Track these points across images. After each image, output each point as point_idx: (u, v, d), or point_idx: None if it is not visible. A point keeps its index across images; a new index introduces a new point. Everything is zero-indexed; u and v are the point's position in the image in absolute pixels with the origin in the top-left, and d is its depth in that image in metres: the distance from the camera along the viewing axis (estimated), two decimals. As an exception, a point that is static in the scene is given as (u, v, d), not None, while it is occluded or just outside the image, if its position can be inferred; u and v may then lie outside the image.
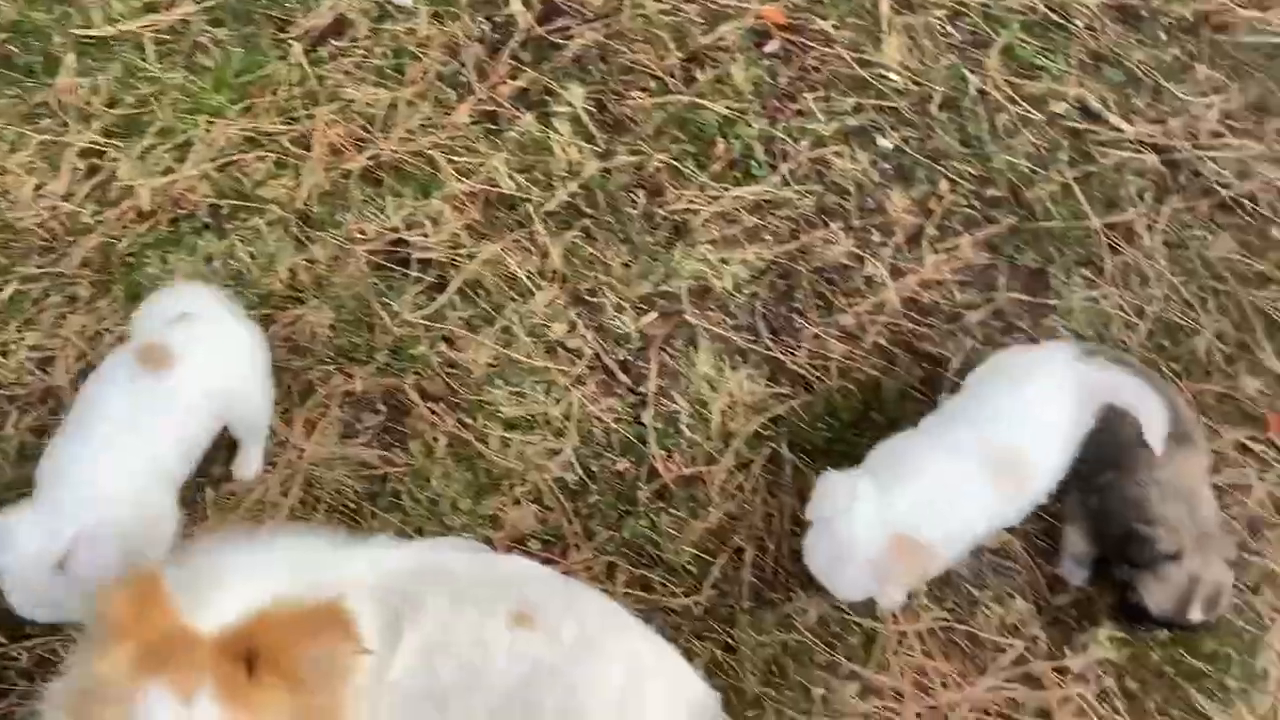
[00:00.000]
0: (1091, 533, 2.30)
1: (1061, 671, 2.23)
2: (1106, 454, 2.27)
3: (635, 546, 2.32)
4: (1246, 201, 2.98)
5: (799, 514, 2.38)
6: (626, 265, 2.70)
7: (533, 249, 2.71)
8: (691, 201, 2.83)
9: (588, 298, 2.66)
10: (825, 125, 3.01)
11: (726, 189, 2.86)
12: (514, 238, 2.72)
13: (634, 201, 2.82)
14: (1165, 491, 2.20)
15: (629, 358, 2.58)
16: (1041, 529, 2.41)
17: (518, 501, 2.35)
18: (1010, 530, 2.41)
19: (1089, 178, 2.96)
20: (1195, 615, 2.12)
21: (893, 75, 3.10)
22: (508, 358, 2.53)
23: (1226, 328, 2.76)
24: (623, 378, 2.54)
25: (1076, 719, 2.18)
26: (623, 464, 2.42)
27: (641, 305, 2.67)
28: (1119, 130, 3.06)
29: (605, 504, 2.37)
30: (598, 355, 2.56)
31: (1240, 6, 3.34)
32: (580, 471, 2.40)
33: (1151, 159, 3.02)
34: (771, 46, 3.18)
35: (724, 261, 2.75)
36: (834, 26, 3.19)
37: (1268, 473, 2.54)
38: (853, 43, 3.17)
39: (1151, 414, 2.15)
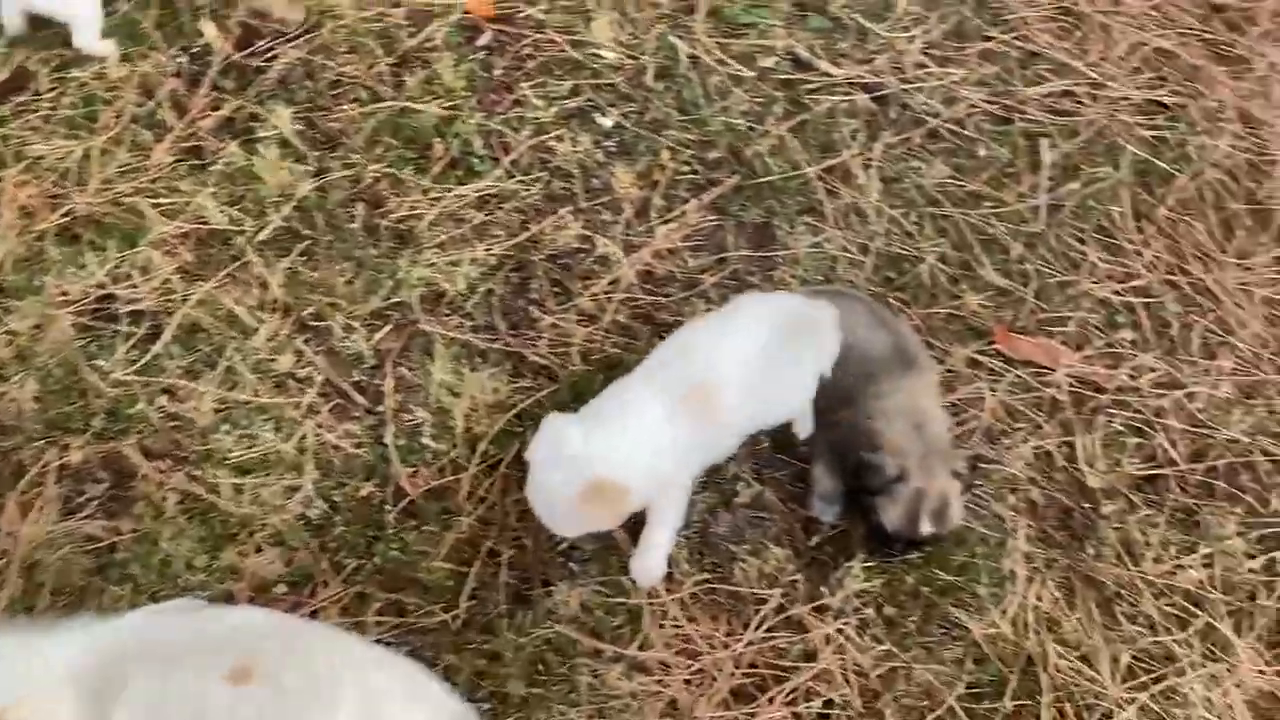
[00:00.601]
0: (835, 468, 2.35)
1: (821, 611, 2.27)
2: (840, 390, 2.32)
3: (388, 571, 2.27)
4: (955, 127, 3.09)
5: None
6: (350, 283, 2.63)
7: (251, 282, 2.61)
8: (414, 207, 2.78)
9: (314, 323, 2.58)
10: (545, 111, 2.99)
11: (449, 189, 2.82)
12: (229, 273, 2.61)
13: (353, 216, 2.74)
14: (892, 417, 2.27)
15: (364, 378, 2.51)
16: (793, 475, 2.45)
17: (259, 549, 2.25)
18: (761, 480, 2.44)
19: (803, 126, 3.03)
20: (926, 528, 2.19)
21: (606, 53, 3.10)
22: (234, 400, 2.42)
23: (947, 250, 2.85)
24: (359, 400, 2.47)
25: (840, 655, 2.21)
26: (367, 489, 2.36)
27: (373, 321, 2.61)
28: (828, 75, 3.13)
29: (352, 534, 2.30)
30: (329, 381, 2.48)
31: (934, -59, 3.46)
32: (322, 505, 2.33)
33: (861, 99, 3.10)
34: (483, 40, 3.14)
35: (454, 264, 2.70)
36: (543, 12, 3.18)
37: (999, 383, 2.63)
38: (564, 25, 3.16)
39: (823, 332, 2.22)
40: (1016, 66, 3.23)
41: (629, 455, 2.08)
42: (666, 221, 2.83)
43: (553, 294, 2.70)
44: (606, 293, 2.69)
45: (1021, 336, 2.76)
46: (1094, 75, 3.24)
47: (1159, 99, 3.23)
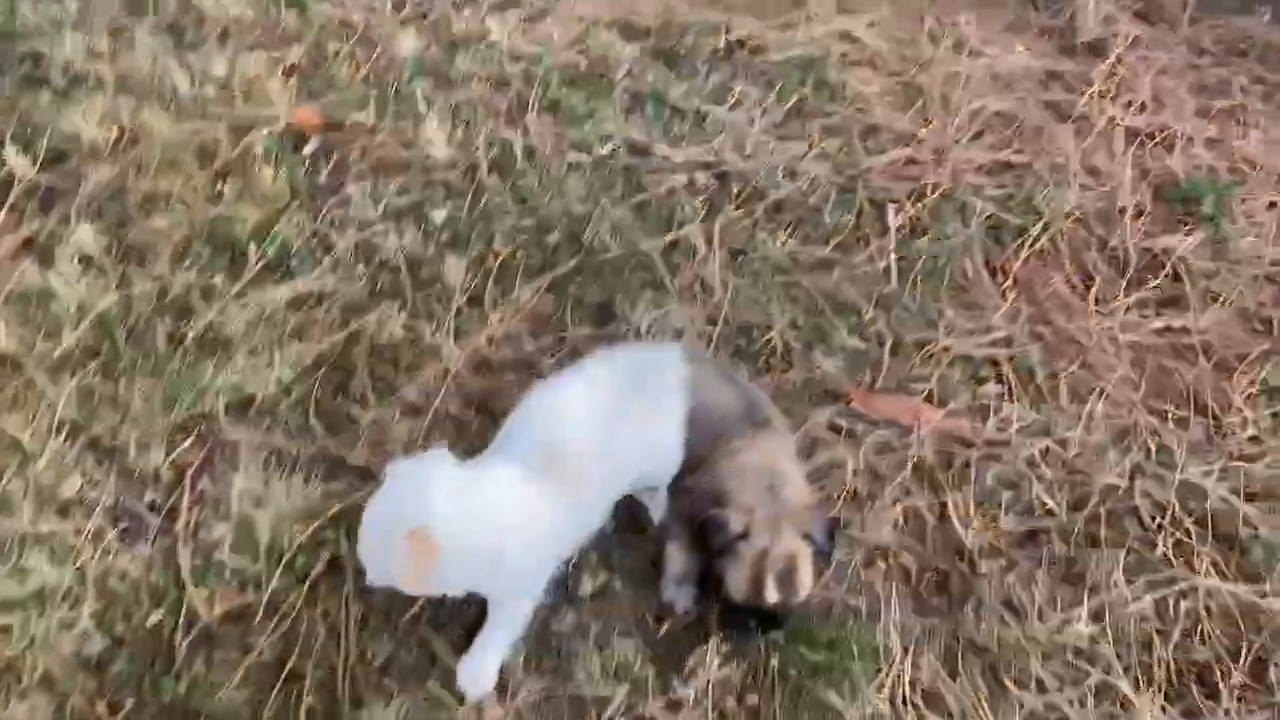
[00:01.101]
0: (687, 542, 2.12)
1: (674, 707, 2.00)
2: (692, 454, 2.12)
3: (174, 708, 1.96)
4: (799, 198, 3.00)
5: (368, 616, 2.09)
6: (148, 398, 2.39)
7: (38, 406, 2.36)
8: (222, 313, 2.56)
9: (107, 442, 2.32)
10: (372, 210, 2.84)
11: (264, 293, 2.62)
12: (11, 395, 2.36)
13: (154, 329, 2.52)
14: (747, 476, 2.08)
15: (157, 497, 2.25)
16: (644, 559, 2.21)
17: (23, 695, 1.94)
18: (609, 567, 2.20)
19: (643, 207, 2.91)
20: (771, 594, 1.96)
21: (437, 152, 2.98)
22: (9, 531, 2.14)
23: (798, 315, 2.72)
24: (151, 520, 2.20)
25: None
26: (156, 616, 2.07)
27: (173, 436, 2.35)
28: (667, 159, 3.04)
29: (134, 669, 2.01)
30: (120, 503, 2.21)
31: (771, 30, 3.46)
32: (102, 639, 2.03)
33: (702, 176, 3.01)
34: (310, 148, 3.01)
35: (266, 367, 2.48)
36: (375, 116, 3.06)
37: (860, 445, 2.45)
38: (394, 130, 3.04)
39: (673, 370, 2.08)
40: (858, 139, 3.18)
41: (478, 516, 1.85)
42: (499, 307, 2.66)
43: (374, 390, 2.48)
44: (435, 383, 2.48)
45: (880, 394, 2.60)
46: (936, 142, 3.19)
47: (1004, 159, 3.18)
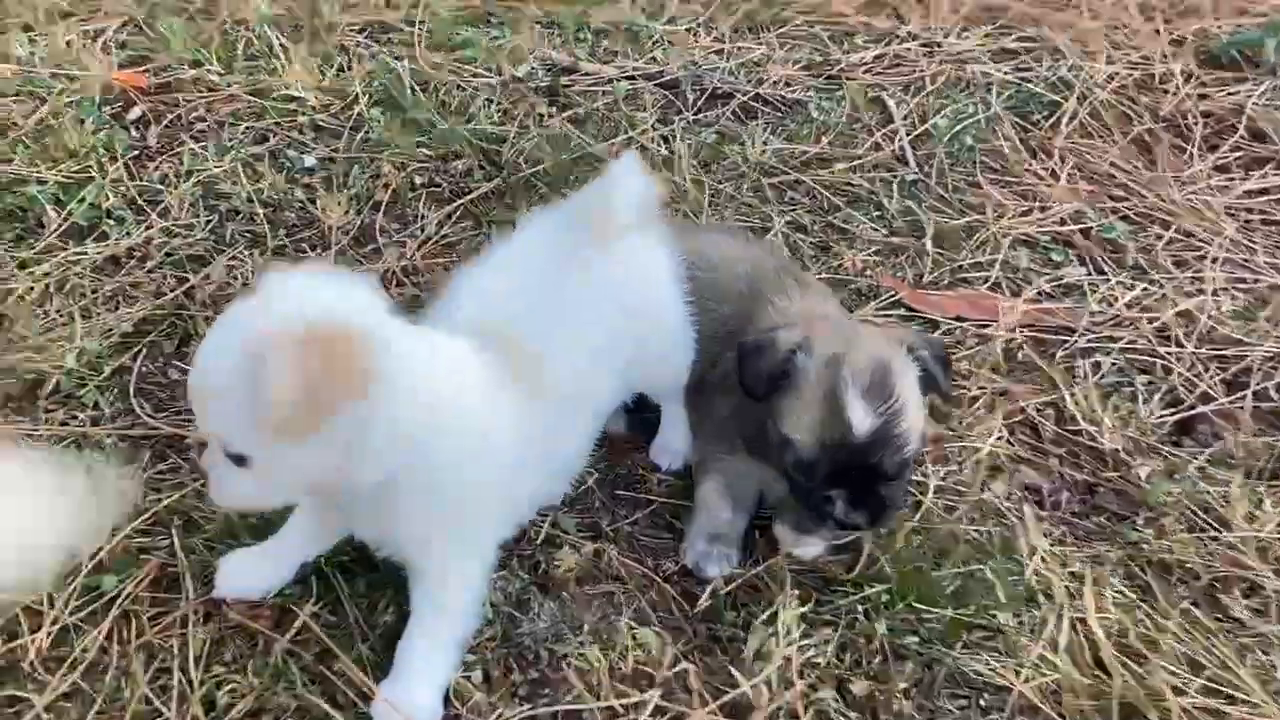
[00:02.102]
0: (723, 480, 1.37)
1: (737, 713, 1.18)
2: (722, 324, 1.44)
3: None
4: (771, 97, 2.36)
5: (221, 645, 1.26)
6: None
7: None
8: (1, 283, 1.78)
9: None
10: (216, 162, 2.10)
11: (61, 258, 1.84)
12: None
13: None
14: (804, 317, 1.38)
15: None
16: (646, 517, 1.42)
17: None
18: (596, 534, 1.41)
19: (578, 122, 2.26)
20: (858, 415, 1.26)
21: (303, 95, 2.28)
22: None
23: (802, 215, 2.04)
24: None
25: None
26: None
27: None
28: (597, 74, 2.38)
29: None
30: None
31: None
32: None
33: (648, 88, 2.36)
34: (135, 113, 2.28)
35: (62, 342, 1.68)
36: (218, 74, 2.36)
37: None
38: (246, 83, 2.34)
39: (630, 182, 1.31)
40: (830, 42, 2.57)
41: (409, 374, 1.10)
42: (402, 242, 1.91)
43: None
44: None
45: (936, 291, 1.89)
46: (924, 36, 2.59)
47: (1005, 46, 2.59)
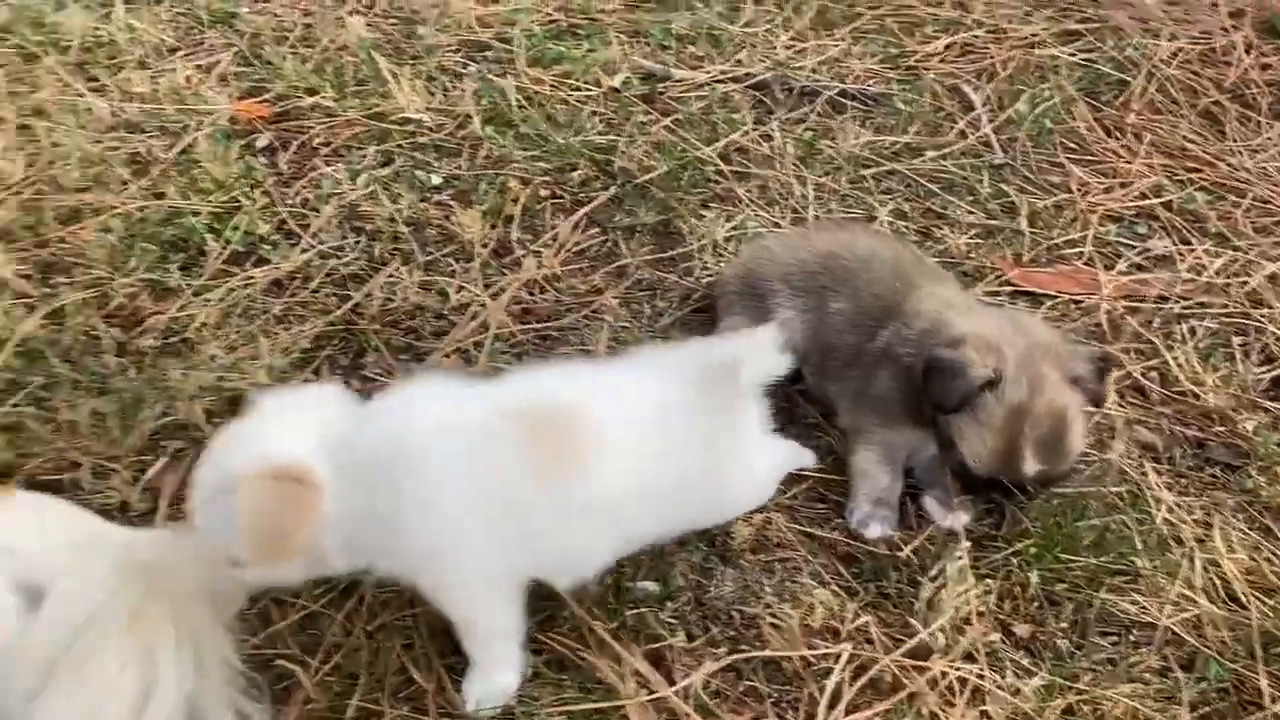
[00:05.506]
0: (881, 452, 1.58)
1: (921, 657, 1.35)
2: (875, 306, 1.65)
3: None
4: (854, 91, 2.51)
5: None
6: (101, 419, 1.76)
7: (-52, 454, 1.72)
8: (183, 310, 1.96)
9: (54, 478, 1.68)
10: (351, 184, 2.28)
11: (233, 283, 2.03)
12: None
13: (99, 342, 1.91)
14: (969, 308, 1.62)
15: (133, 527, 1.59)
16: (804, 492, 1.59)
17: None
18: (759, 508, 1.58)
19: (679, 126, 2.40)
20: (1030, 467, 1.46)
21: (417, 115, 2.44)
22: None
23: (902, 204, 2.18)
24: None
25: (979, 707, 1.28)
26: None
27: (139, 458, 1.72)
28: (689, 80, 2.54)
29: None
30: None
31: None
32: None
33: (737, 90, 2.51)
34: (263, 141, 2.46)
35: (251, 359, 1.87)
36: (332, 100, 2.53)
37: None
38: (360, 107, 2.51)
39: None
40: (901, 33, 2.71)
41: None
42: (535, 251, 2.09)
43: (399, 361, 1.88)
44: (474, 337, 1.88)
45: (1037, 269, 2.05)
46: (988, 23, 2.73)
47: (1068, 29, 2.73)
